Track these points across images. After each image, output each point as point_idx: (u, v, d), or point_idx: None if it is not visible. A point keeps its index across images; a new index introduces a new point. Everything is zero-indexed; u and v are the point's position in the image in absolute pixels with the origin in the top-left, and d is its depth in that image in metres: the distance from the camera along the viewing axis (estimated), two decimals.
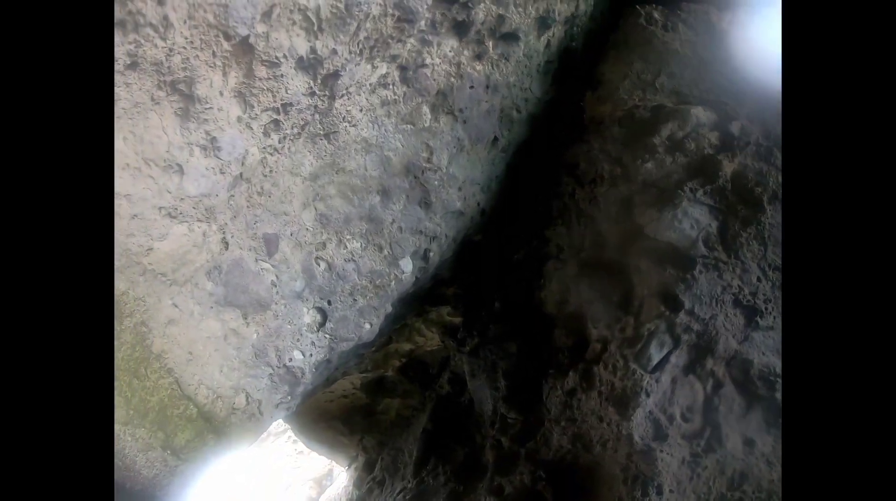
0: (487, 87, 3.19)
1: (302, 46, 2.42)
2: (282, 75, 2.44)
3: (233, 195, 2.66)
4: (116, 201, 2.38)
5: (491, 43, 3.08)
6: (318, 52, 2.47)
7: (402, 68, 2.88)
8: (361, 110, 2.86)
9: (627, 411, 2.76)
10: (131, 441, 2.91)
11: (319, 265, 3.04)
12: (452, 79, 3.06)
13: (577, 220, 3.41)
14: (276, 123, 2.57)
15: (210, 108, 2.32)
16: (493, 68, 3.16)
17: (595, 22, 3.56)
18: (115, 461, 2.90)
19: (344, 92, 2.72)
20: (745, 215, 2.93)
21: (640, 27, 3.31)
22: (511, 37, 3.15)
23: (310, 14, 2.37)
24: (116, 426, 2.89)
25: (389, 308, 3.26)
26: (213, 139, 2.40)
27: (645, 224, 3.00)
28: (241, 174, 2.60)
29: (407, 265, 3.19)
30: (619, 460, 2.73)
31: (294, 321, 3.06)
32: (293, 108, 2.58)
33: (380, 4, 2.55)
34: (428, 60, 2.93)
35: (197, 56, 2.18)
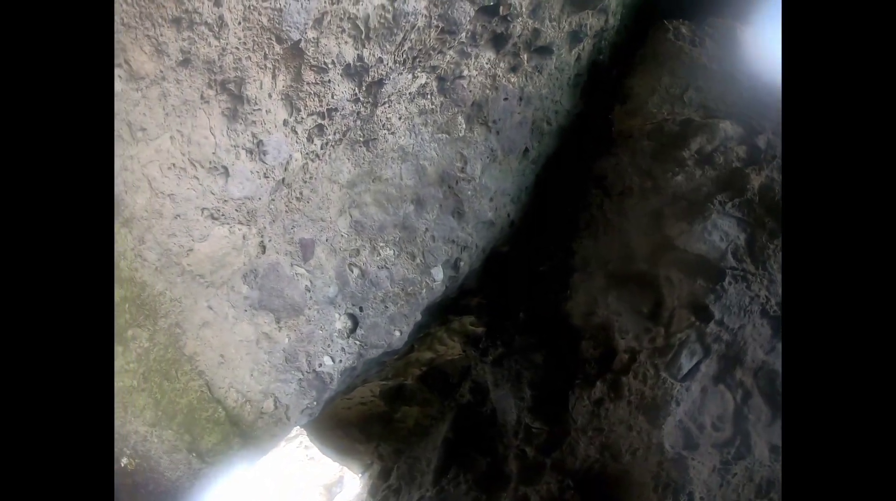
0: (521, 99, 3.25)
1: (349, 54, 2.47)
2: (329, 81, 2.48)
3: (273, 200, 2.69)
4: (160, 201, 2.41)
5: (526, 56, 3.14)
6: (365, 60, 2.52)
7: (441, 79, 2.93)
8: (400, 118, 2.91)
9: (658, 419, 2.78)
10: (157, 442, 2.90)
11: (353, 272, 3.07)
12: (487, 90, 3.12)
13: (605, 232, 3.46)
14: (321, 128, 2.61)
15: (258, 109, 2.35)
16: (526, 80, 3.22)
17: (620, 35, 3.63)
18: (141, 462, 2.90)
19: (386, 100, 2.76)
20: (773, 228, 2.98)
21: (669, 42, 3.38)
22: (545, 50, 3.21)
23: (359, 23, 2.42)
24: (143, 428, 2.88)
25: (419, 316, 3.28)
26: (260, 143, 2.44)
27: (675, 236, 3.04)
28: (283, 179, 2.64)
29: (438, 274, 3.22)
30: (649, 468, 2.75)
31: (326, 326, 3.08)
32: (337, 113, 2.62)
33: (425, 16, 2.60)
34: (465, 72, 2.98)
35: (249, 57, 2.23)
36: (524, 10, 2.96)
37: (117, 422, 2.65)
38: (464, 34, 2.81)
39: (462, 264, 3.34)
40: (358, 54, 2.50)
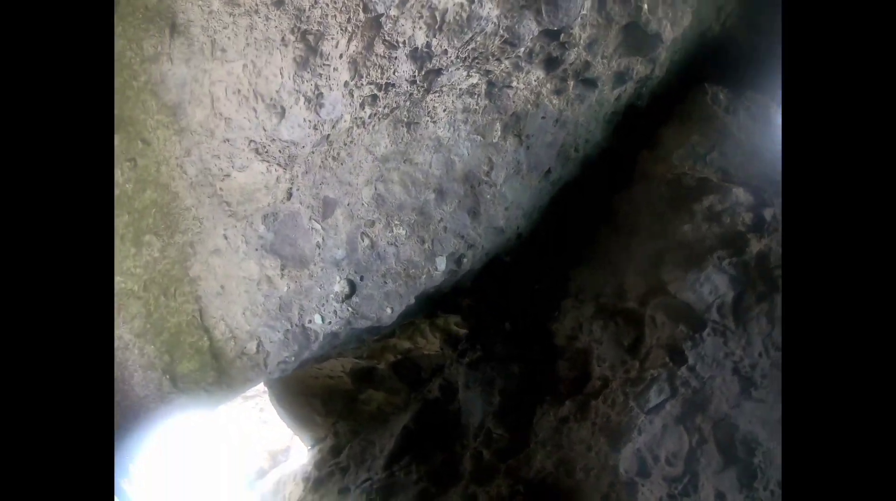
0: (557, 121, 3.44)
1: (420, 39, 2.65)
2: (395, 58, 2.65)
3: (313, 153, 2.84)
4: (216, 121, 2.54)
5: (572, 83, 3.34)
6: (432, 48, 2.70)
7: (491, 83, 3.12)
8: (445, 110, 3.08)
9: (619, 444, 2.92)
10: (137, 354, 2.95)
11: (364, 241, 3.20)
12: (529, 106, 3.30)
13: (603, 266, 3.63)
14: (374, 98, 2.77)
15: (327, 65, 2.52)
16: (566, 106, 3.41)
17: (662, 87, 3.86)
18: (116, 372, 2.93)
19: (438, 89, 2.94)
20: (762, 292, 3.13)
21: (706, 104, 3.61)
22: (590, 83, 3.41)
23: (437, 14, 2.60)
24: (129, 336, 2.92)
25: (412, 300, 3.41)
26: (320, 95, 2.59)
27: (669, 281, 3.22)
28: (328, 136, 2.79)
29: (441, 264, 3.37)
30: (600, 488, 2.88)
31: (325, 286, 3.19)
32: (393, 89, 2.78)
33: (494, 23, 2.79)
34: (514, 83, 3.17)
35: (334, 16, 2.40)
36: (582, 42, 3.17)
37: None
38: (522, 49, 3.00)
39: (465, 260, 3.49)
40: (427, 41, 2.67)
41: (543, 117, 3.39)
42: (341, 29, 2.44)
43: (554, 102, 3.35)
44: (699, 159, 3.46)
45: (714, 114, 3.55)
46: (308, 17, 2.35)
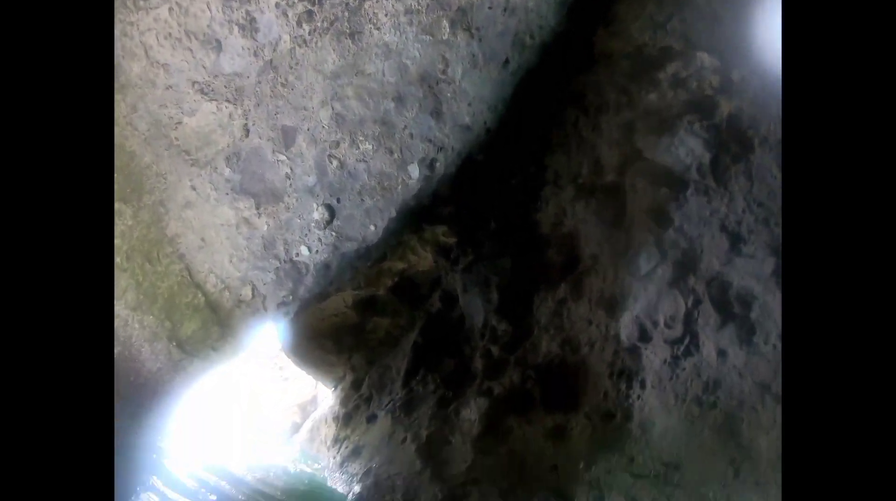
0: (505, 9, 3.33)
1: None
2: None
3: (259, 82, 2.77)
4: (154, 70, 2.47)
5: None
6: None
7: None
8: (387, 15, 2.98)
9: (616, 312, 2.98)
10: (139, 328, 2.97)
11: (332, 163, 3.17)
12: None
13: (577, 148, 3.60)
14: (310, 13, 2.68)
15: None
16: None
17: None
18: (122, 350, 2.95)
19: None
20: (737, 152, 3.10)
21: None
22: None
23: None
24: (125, 311, 2.94)
25: (394, 212, 3.40)
26: (253, 20, 2.51)
27: (644, 148, 3.20)
28: (271, 61, 2.71)
29: (414, 171, 3.34)
30: (605, 358, 2.96)
31: (304, 215, 3.18)
32: (327, 1, 2.68)
33: None
34: None
35: None
36: None
37: None
38: None
39: (438, 164, 3.46)
40: None
41: (490, 7, 3.28)
42: None
43: None
44: (659, 28, 3.36)
45: None
46: None
